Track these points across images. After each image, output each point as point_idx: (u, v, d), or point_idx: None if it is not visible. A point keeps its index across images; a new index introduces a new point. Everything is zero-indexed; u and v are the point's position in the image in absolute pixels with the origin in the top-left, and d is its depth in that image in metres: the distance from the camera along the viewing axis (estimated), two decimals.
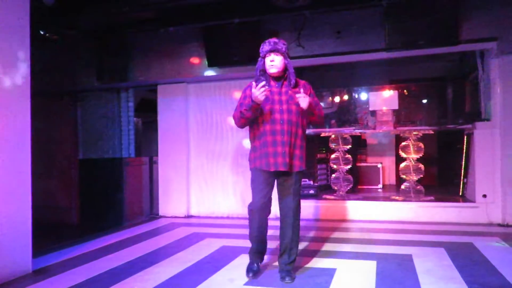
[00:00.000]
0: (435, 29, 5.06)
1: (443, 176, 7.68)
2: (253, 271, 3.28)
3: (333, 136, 6.51)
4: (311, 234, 4.85)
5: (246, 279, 3.25)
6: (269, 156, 3.08)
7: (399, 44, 5.24)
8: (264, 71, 3.19)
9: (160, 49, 6.40)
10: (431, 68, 8.00)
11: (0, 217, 3.31)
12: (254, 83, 3.02)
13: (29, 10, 3.67)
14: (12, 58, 3.50)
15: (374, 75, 8.29)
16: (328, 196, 6.29)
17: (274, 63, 3.10)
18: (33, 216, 3.65)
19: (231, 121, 6.27)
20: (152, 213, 6.71)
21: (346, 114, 8.63)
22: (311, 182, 6.38)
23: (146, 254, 4.17)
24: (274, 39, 3.16)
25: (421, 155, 6.07)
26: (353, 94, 8.84)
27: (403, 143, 6.20)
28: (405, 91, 8.50)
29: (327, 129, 6.76)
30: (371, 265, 3.57)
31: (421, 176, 6.05)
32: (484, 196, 5.28)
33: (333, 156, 6.54)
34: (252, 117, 3.11)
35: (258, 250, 3.35)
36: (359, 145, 8.34)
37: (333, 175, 6.50)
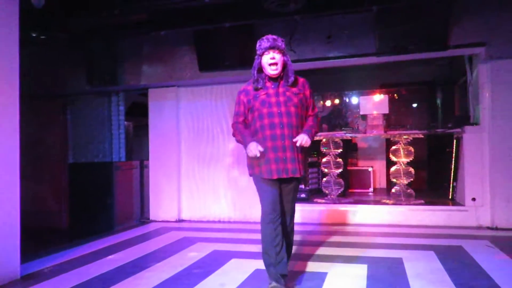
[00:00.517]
0: (424, 34, 5.11)
1: (433, 179, 7.74)
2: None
3: (324, 140, 6.53)
4: (302, 238, 4.86)
5: (237, 284, 3.24)
6: (270, 162, 2.92)
7: (389, 49, 5.28)
8: (260, 70, 3.01)
9: (151, 53, 6.38)
10: (421, 73, 8.09)
11: None
12: (254, 147, 2.84)
13: (19, 13, 3.65)
14: (1, 60, 3.46)
15: (365, 79, 8.36)
16: (319, 200, 6.30)
17: (274, 60, 2.92)
18: (22, 220, 3.61)
19: (223, 125, 6.31)
20: (143, 218, 6.67)
21: (337, 118, 8.69)
22: (302, 186, 6.39)
23: (137, 259, 4.14)
24: (273, 36, 2.98)
25: (411, 159, 6.11)
26: (344, 98, 8.92)
27: (394, 147, 6.24)
28: (395, 95, 8.61)
29: (319, 133, 6.77)
30: (362, 269, 3.58)
31: (411, 179, 6.09)
32: (473, 199, 5.33)
33: (324, 160, 6.56)
34: None
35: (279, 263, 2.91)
36: (350, 149, 8.38)
37: (324, 179, 6.52)
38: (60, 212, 6.44)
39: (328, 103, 8.84)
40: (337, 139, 6.49)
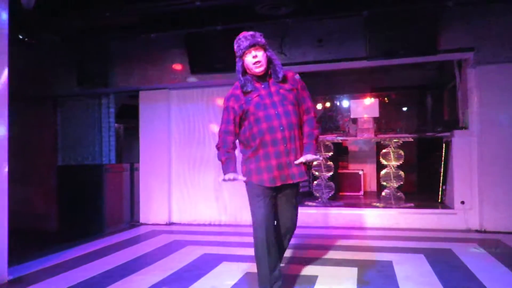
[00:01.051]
0: (414, 39, 5.17)
1: (422, 183, 7.79)
2: None
3: None
4: (293, 241, 4.85)
5: (227, 287, 3.23)
6: (273, 169, 2.68)
7: (379, 53, 5.33)
8: (245, 72, 2.76)
9: (142, 55, 6.36)
10: (411, 77, 8.16)
11: None
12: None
13: (8, 14, 3.61)
14: None
15: (355, 83, 8.42)
16: (310, 203, 6.31)
17: (257, 59, 2.66)
18: (10, 223, 3.56)
19: (214, 127, 6.30)
20: (133, 221, 6.62)
21: (328, 122, 8.71)
22: None
23: (126, 263, 4.11)
24: (250, 32, 2.71)
25: (401, 162, 6.15)
26: (335, 102, 8.96)
27: (384, 150, 6.28)
28: (385, 99, 8.66)
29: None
30: (352, 272, 3.59)
31: (401, 183, 6.13)
32: (462, 202, 5.38)
33: (315, 163, 6.56)
34: None
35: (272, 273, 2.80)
36: (340, 152, 8.41)
37: (315, 182, 6.53)
38: (48, 215, 6.38)
39: (319, 106, 8.87)
40: (328, 142, 6.51)
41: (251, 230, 2.84)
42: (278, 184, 2.71)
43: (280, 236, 2.98)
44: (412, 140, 6.34)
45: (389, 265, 3.77)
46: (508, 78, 5.12)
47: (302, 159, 2.71)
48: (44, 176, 6.58)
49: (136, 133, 6.76)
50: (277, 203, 2.87)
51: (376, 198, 7.13)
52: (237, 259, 4.11)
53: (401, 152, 6.15)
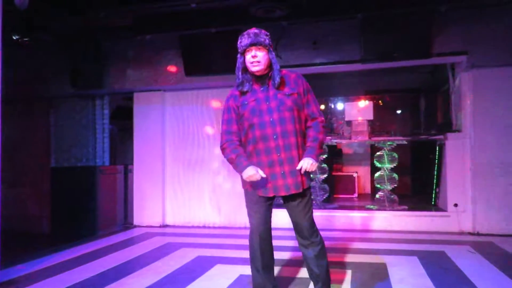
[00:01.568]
0: (408, 42, 5.21)
1: (416, 185, 7.84)
2: None
3: None
4: (287, 243, 4.85)
5: None
6: (266, 179, 2.54)
7: (374, 56, 5.37)
8: (245, 70, 2.60)
9: (137, 57, 6.35)
10: (405, 80, 8.20)
11: None
12: (255, 172, 2.47)
13: (1, 14, 3.59)
14: None
15: (350, 85, 8.45)
16: None
17: (256, 59, 2.50)
18: (2, 225, 3.53)
19: (208, 129, 6.30)
20: (127, 223, 6.59)
21: None
22: None
23: (120, 265, 4.09)
24: (254, 30, 2.55)
25: (395, 165, 6.18)
26: (329, 104, 8.98)
27: (378, 153, 6.30)
28: (380, 102, 8.70)
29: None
30: (346, 274, 3.59)
31: (395, 185, 6.16)
32: (455, 205, 5.41)
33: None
34: None
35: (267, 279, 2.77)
36: (335, 155, 8.43)
37: None
38: (41, 217, 6.34)
39: None
40: None
41: (245, 232, 2.85)
42: (271, 195, 2.56)
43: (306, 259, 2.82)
44: (406, 142, 6.38)
45: (383, 267, 3.78)
46: (501, 81, 5.17)
47: (299, 165, 2.51)
48: (37, 177, 6.54)
49: (130, 134, 6.73)
50: (288, 211, 2.71)
51: (370, 200, 7.16)
52: (231, 261, 4.10)
53: (395, 155, 6.18)
